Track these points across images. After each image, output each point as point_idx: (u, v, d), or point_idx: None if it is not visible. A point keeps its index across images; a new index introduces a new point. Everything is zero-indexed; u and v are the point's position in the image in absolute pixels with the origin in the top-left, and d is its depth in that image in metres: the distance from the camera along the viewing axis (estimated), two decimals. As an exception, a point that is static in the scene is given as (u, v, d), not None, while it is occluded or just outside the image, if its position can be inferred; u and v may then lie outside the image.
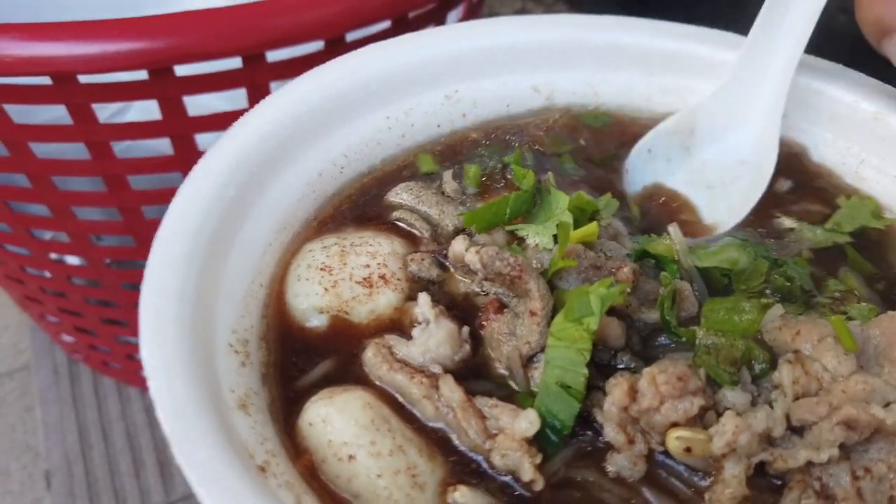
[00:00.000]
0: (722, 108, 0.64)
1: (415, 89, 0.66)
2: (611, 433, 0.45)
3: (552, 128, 0.69)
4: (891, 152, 0.62)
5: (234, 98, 1.06)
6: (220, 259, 0.50)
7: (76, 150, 1.02)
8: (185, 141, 1.01)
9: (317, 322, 0.53)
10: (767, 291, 0.53)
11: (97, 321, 1.38)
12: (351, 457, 0.44)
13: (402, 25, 1.05)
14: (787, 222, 0.62)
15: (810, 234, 0.60)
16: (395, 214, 0.60)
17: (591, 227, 0.53)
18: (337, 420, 0.45)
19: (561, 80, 0.70)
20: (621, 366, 0.50)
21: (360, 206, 0.62)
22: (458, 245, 0.53)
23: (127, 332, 1.41)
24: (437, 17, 1.11)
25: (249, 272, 0.53)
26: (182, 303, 0.45)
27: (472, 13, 1.22)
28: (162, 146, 1.09)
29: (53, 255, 1.24)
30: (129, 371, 1.58)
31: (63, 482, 1.55)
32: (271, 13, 0.91)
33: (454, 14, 1.16)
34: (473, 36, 0.68)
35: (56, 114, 1.09)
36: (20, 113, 0.98)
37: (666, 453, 0.45)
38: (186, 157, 1.02)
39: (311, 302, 0.54)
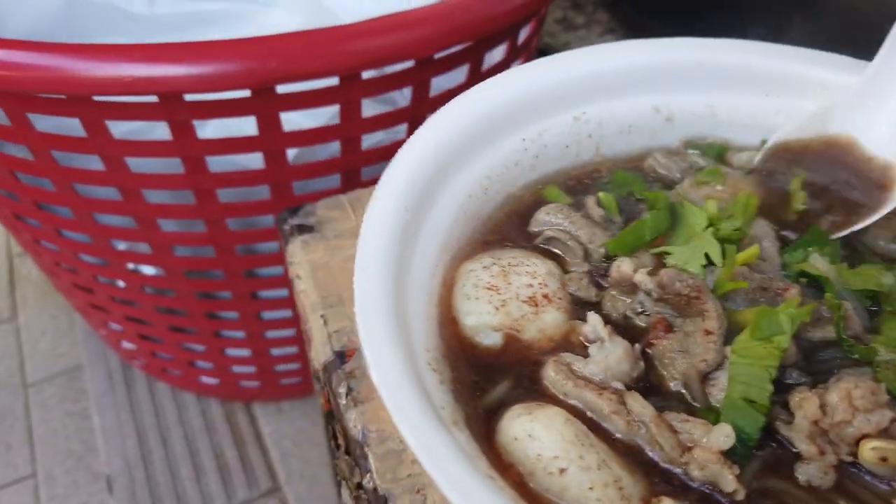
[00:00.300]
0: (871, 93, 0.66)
1: (547, 112, 0.69)
2: (802, 445, 0.48)
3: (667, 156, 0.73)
4: None
5: (313, 114, 1.09)
6: (406, 283, 0.53)
7: (161, 164, 1.05)
8: (277, 156, 1.04)
9: (491, 340, 0.56)
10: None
11: (164, 329, 1.41)
12: (562, 470, 0.46)
13: (483, 43, 1.09)
14: None
15: None
16: (548, 234, 0.63)
17: (754, 251, 0.56)
18: (544, 435, 0.48)
19: (680, 101, 0.73)
20: (790, 381, 0.52)
21: (507, 227, 0.65)
22: (626, 266, 0.56)
23: (193, 339, 1.43)
24: (511, 34, 1.14)
25: (425, 292, 0.56)
26: (392, 326, 0.47)
27: (538, 28, 1.25)
28: (244, 160, 1.12)
29: (130, 266, 1.27)
30: (189, 377, 1.61)
31: (125, 487, 1.57)
32: (371, 34, 0.94)
33: (525, 30, 1.19)
34: (600, 59, 0.71)
35: (133, 127, 1.12)
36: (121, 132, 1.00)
37: (852, 464, 0.48)
38: (276, 171, 1.05)
39: (483, 320, 0.56)
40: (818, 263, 0.57)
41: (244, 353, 1.44)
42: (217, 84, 0.88)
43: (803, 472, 0.48)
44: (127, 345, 1.58)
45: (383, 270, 0.51)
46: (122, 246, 1.26)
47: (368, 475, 0.66)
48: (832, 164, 0.67)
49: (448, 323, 0.57)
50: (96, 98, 0.91)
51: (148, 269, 1.27)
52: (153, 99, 0.91)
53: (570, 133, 0.71)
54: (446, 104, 0.62)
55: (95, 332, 1.88)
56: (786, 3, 1.53)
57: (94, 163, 1.01)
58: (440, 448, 0.41)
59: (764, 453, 0.50)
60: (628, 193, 0.69)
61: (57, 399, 1.92)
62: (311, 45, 0.90)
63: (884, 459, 0.46)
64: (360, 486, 0.67)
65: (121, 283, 1.30)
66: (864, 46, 0.69)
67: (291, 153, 1.07)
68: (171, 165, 1.03)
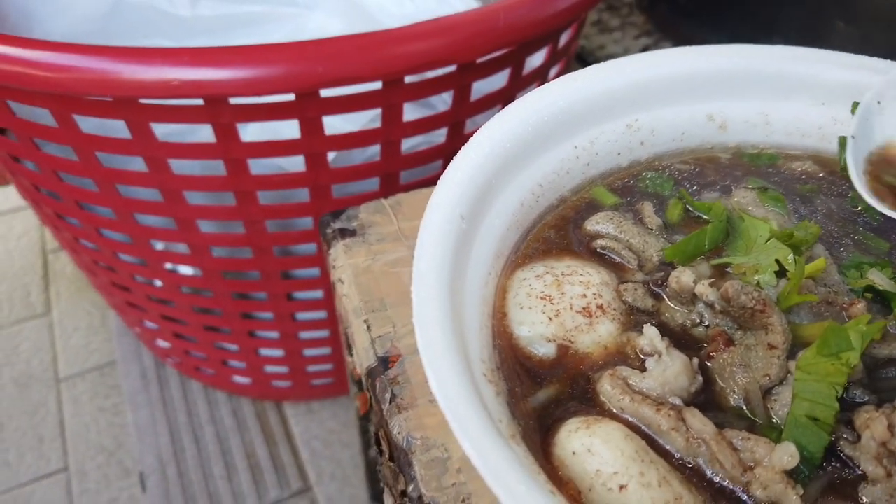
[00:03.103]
0: None
1: (599, 119, 0.68)
2: (868, 467, 0.46)
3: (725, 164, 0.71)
4: None
5: (352, 118, 1.09)
6: (461, 293, 0.53)
7: (200, 166, 1.05)
8: (317, 158, 1.04)
9: (544, 351, 0.55)
10: None
11: (199, 328, 1.42)
12: (622, 487, 0.46)
13: (524, 48, 1.08)
14: None
15: None
16: (600, 243, 0.62)
17: (820, 263, 0.55)
18: (603, 450, 0.47)
19: (734, 109, 0.72)
20: (854, 399, 0.51)
21: (559, 235, 0.64)
22: (686, 277, 0.55)
23: (227, 338, 1.44)
24: (553, 38, 1.14)
25: (480, 302, 0.55)
26: (446, 334, 0.47)
27: (578, 32, 1.24)
28: (284, 163, 1.12)
29: (168, 265, 1.28)
30: (222, 376, 1.62)
31: (157, 483, 1.58)
32: (414, 38, 0.94)
33: (566, 34, 1.18)
34: (653, 66, 0.70)
35: (173, 129, 1.13)
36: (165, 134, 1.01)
37: (919, 487, 0.47)
38: (317, 174, 1.05)
39: (537, 331, 0.56)
40: (877, 279, 0.56)
41: (277, 353, 1.45)
42: (263, 88, 0.88)
43: (869, 494, 0.47)
44: (161, 343, 1.59)
45: (439, 280, 0.51)
46: (160, 246, 1.27)
47: (413, 483, 0.66)
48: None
49: (501, 333, 0.57)
50: (142, 101, 0.92)
51: (185, 270, 1.28)
52: (198, 102, 0.91)
53: (622, 140, 0.70)
54: (501, 111, 0.62)
55: (129, 330, 1.90)
56: (825, 5, 1.50)
57: (137, 164, 1.02)
58: (502, 462, 0.40)
59: (827, 473, 0.48)
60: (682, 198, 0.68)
61: (89, 394, 1.94)
62: (356, 50, 0.90)
63: (957, 484, 0.44)
64: (404, 493, 0.66)
65: (158, 283, 1.31)
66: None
67: (330, 156, 1.07)
68: (213, 167, 1.03)
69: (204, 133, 0.99)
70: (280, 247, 1.20)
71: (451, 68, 1.00)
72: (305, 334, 1.40)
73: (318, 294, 1.31)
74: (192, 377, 1.73)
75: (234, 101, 0.93)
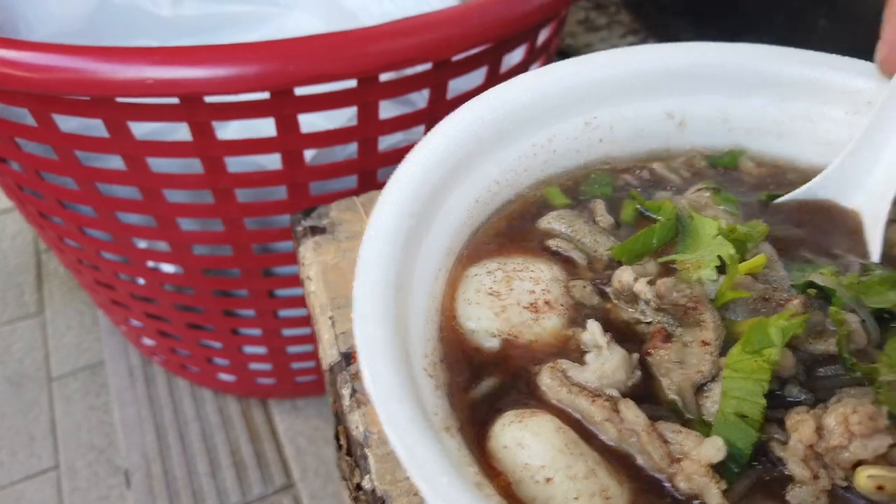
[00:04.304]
0: (862, 154, 0.66)
1: (558, 116, 0.69)
2: (795, 468, 0.47)
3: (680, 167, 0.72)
4: None
5: (332, 116, 1.10)
6: (408, 288, 0.53)
7: (181, 164, 1.06)
8: (294, 156, 1.05)
9: (489, 345, 0.56)
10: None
11: (182, 326, 1.43)
12: (549, 479, 0.46)
13: (501, 45, 1.08)
14: None
15: None
16: (552, 242, 0.63)
17: (760, 260, 0.55)
18: (533, 444, 0.48)
19: (693, 107, 0.73)
20: (791, 398, 0.52)
21: (514, 232, 0.65)
22: (626, 275, 0.56)
23: (210, 336, 1.45)
24: (531, 36, 1.14)
25: (427, 297, 0.56)
26: (389, 330, 0.48)
27: (558, 29, 1.25)
28: (263, 160, 1.13)
29: (150, 263, 1.29)
30: (207, 373, 1.63)
31: (142, 480, 1.59)
32: (388, 36, 0.95)
33: (545, 32, 1.19)
34: (613, 64, 0.70)
35: (153, 128, 1.14)
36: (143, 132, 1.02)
37: (846, 488, 0.47)
38: (293, 172, 1.06)
39: (482, 325, 0.57)
40: (819, 279, 0.57)
41: (261, 350, 1.46)
42: (237, 86, 0.89)
43: (795, 496, 0.47)
44: (147, 341, 1.60)
45: (384, 276, 0.51)
46: (142, 244, 1.29)
47: (368, 476, 0.66)
48: (810, 222, 0.67)
49: (448, 328, 0.57)
50: (119, 99, 0.93)
51: (167, 267, 1.30)
52: (174, 101, 0.92)
53: (581, 138, 0.71)
54: (458, 109, 0.62)
55: (117, 328, 1.92)
56: (809, 4, 1.51)
57: (116, 162, 1.03)
58: (427, 454, 0.41)
59: (756, 472, 0.49)
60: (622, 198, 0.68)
61: (80, 393, 1.96)
62: (329, 48, 0.91)
63: (880, 488, 0.45)
64: (359, 486, 0.67)
65: (141, 281, 1.32)
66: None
67: (309, 154, 1.08)
68: (191, 166, 1.05)
69: (182, 132, 1.01)
70: (260, 244, 1.21)
71: (427, 66, 1.01)
72: (288, 332, 1.41)
73: (299, 291, 1.32)
74: (178, 375, 1.74)
75: (209, 99, 0.94)
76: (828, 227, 0.66)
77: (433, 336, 0.55)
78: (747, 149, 0.74)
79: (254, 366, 1.52)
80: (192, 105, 0.94)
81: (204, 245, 1.22)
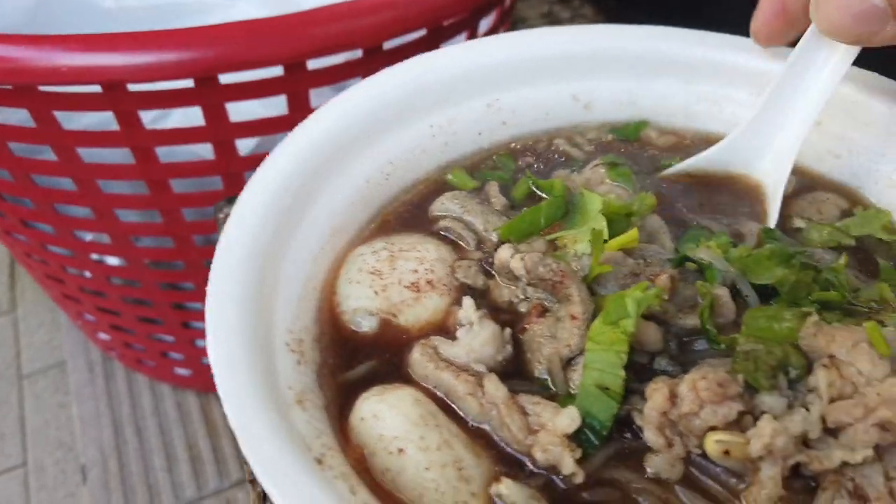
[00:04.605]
0: (760, 127, 0.66)
1: (457, 98, 0.69)
2: (650, 436, 0.46)
3: (584, 143, 0.72)
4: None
5: (271, 104, 1.09)
6: (278, 264, 0.53)
7: (120, 155, 1.06)
8: (225, 146, 1.05)
9: (367, 324, 0.56)
10: (811, 300, 0.55)
11: (133, 320, 1.43)
12: (401, 450, 0.46)
13: (437, 33, 1.08)
14: (797, 222, 0.64)
15: (816, 235, 0.62)
16: (442, 224, 0.63)
17: (632, 235, 0.55)
18: (388, 416, 0.47)
19: (599, 89, 0.73)
20: (659, 370, 0.51)
21: (407, 214, 0.65)
22: (504, 252, 0.56)
23: (162, 330, 1.45)
24: (470, 24, 1.14)
25: (304, 275, 0.56)
26: (244, 306, 0.47)
27: (503, 19, 1.24)
28: (202, 150, 1.13)
29: (94, 256, 1.28)
30: (163, 368, 1.62)
31: (98, 476, 1.59)
32: (312, 23, 0.94)
33: (486, 21, 1.18)
34: (515, 46, 0.70)
35: (95, 119, 1.13)
36: (65, 119, 1.02)
37: (703, 455, 0.47)
38: (226, 162, 1.06)
39: (361, 304, 0.56)
40: (703, 253, 0.56)
41: (214, 345, 1.45)
42: (157, 73, 0.89)
43: (652, 464, 0.47)
44: (102, 336, 1.60)
45: (250, 249, 0.51)
46: (88, 237, 1.28)
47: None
48: (711, 192, 0.67)
49: (328, 308, 0.57)
50: (43, 88, 0.93)
51: (112, 260, 1.29)
52: (96, 89, 0.92)
53: (483, 121, 0.71)
54: (349, 88, 0.62)
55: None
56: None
57: (50, 153, 1.03)
58: (258, 425, 0.41)
59: (618, 443, 0.49)
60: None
61: (50, 391, 1.95)
62: (252, 34, 0.90)
63: (727, 453, 0.44)
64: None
65: (88, 274, 1.32)
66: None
67: (251, 143, 1.07)
68: (127, 156, 1.04)
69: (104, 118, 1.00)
70: (202, 235, 1.21)
71: (357, 53, 1.00)
72: (239, 326, 1.40)
73: (246, 285, 1.31)
74: (136, 370, 1.73)
75: (133, 88, 0.93)
76: (728, 197, 0.66)
77: (308, 314, 0.55)
78: (656, 125, 0.73)
79: (207, 360, 1.51)
80: (116, 93, 0.93)
81: (147, 237, 1.21)
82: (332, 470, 0.43)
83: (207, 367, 1.48)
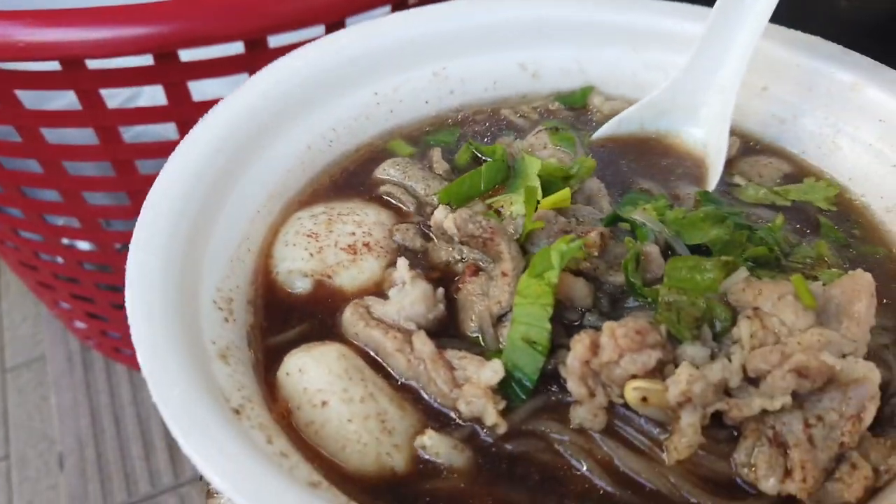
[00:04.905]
0: (687, 87, 0.66)
1: (403, 66, 0.69)
2: (573, 386, 0.46)
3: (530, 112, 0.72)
4: (867, 121, 0.64)
5: (235, 84, 1.09)
6: (209, 222, 0.53)
7: (87, 136, 1.05)
8: (189, 126, 1.04)
9: (301, 286, 0.56)
10: (743, 257, 0.55)
11: (108, 306, 1.42)
12: (324, 403, 0.46)
13: (402, 8, 1.07)
14: (736, 179, 0.64)
15: (752, 192, 0.62)
16: (383, 189, 0.63)
17: (564, 194, 0.55)
18: (312, 369, 0.47)
19: (547, 57, 0.73)
20: (589, 326, 0.51)
21: (349, 180, 0.65)
22: (439, 213, 0.56)
23: (137, 317, 1.44)
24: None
25: (237, 236, 0.56)
26: (168, 257, 0.47)
27: None
28: (170, 132, 1.12)
29: (65, 241, 1.28)
30: (140, 357, 1.61)
31: (75, 464, 1.59)
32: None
33: None
34: (461, 14, 0.70)
35: (67, 101, 1.13)
36: (33, 101, 1.01)
37: (627, 407, 0.47)
38: (191, 142, 1.05)
39: (296, 266, 0.56)
40: (637, 214, 0.56)
41: (189, 332, 1.45)
42: (115, 48, 0.88)
43: (576, 415, 0.47)
44: (79, 324, 1.60)
45: (180, 205, 0.51)
46: (59, 221, 1.28)
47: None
48: (655, 155, 0.67)
49: (263, 270, 0.57)
50: (2, 66, 0.93)
51: (83, 245, 1.29)
52: (55, 66, 0.92)
53: (430, 89, 0.71)
54: (289, 53, 0.62)
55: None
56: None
57: (15, 136, 1.02)
58: (166, 370, 0.41)
59: (545, 396, 0.49)
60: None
61: (33, 384, 1.95)
62: (210, 9, 0.90)
63: (644, 399, 0.44)
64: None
65: (60, 260, 1.31)
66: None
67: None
68: (92, 138, 1.04)
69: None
70: (170, 220, 1.20)
71: (320, 29, 0.99)
72: (214, 312, 1.40)
73: (218, 269, 1.31)
74: (113, 359, 1.73)
75: (92, 65, 0.93)
76: (671, 162, 0.66)
77: (242, 276, 0.55)
78: (603, 92, 0.73)
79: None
80: (75, 71, 0.92)
81: (117, 220, 1.21)
82: (249, 420, 0.43)
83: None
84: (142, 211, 0.49)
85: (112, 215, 1.19)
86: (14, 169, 1.11)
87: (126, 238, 1.20)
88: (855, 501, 0.43)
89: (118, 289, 1.36)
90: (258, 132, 0.59)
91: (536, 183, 0.55)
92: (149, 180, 1.10)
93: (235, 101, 0.58)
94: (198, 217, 0.52)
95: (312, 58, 0.63)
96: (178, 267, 0.48)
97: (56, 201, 1.16)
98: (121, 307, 1.44)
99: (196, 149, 0.54)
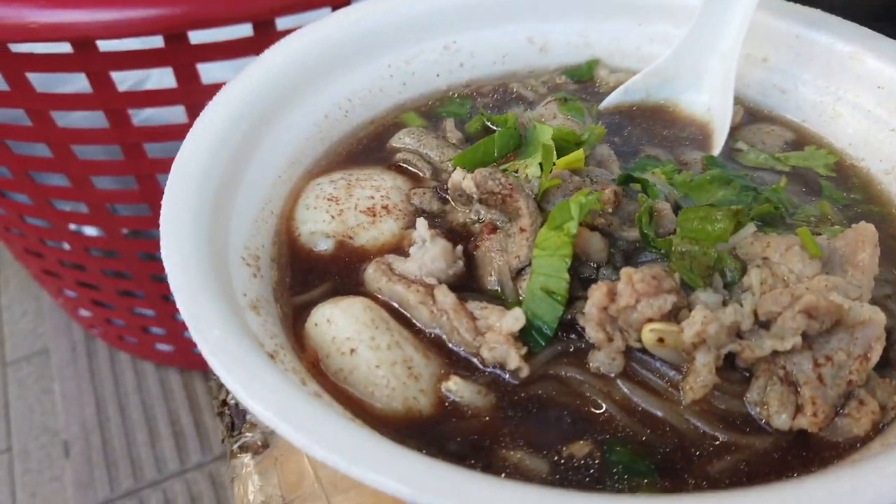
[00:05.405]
0: (689, 55, 0.68)
1: (415, 39, 0.70)
2: (591, 332, 0.48)
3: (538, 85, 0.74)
4: (866, 89, 0.66)
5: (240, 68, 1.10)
6: (233, 184, 0.55)
7: (96, 121, 1.07)
8: (199, 109, 1.05)
9: (323, 246, 0.58)
10: (750, 216, 0.57)
11: (113, 293, 1.43)
12: (352, 350, 0.48)
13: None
14: (739, 144, 0.67)
15: (753, 157, 0.65)
16: (399, 156, 0.65)
17: (578, 154, 0.57)
18: (340, 319, 0.49)
19: (554, 31, 0.75)
20: (603, 278, 0.53)
21: (365, 149, 0.67)
22: (457, 175, 0.57)
23: (142, 304, 1.45)
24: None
25: (260, 199, 0.58)
26: (198, 214, 0.49)
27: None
28: (178, 117, 1.14)
29: (72, 227, 1.29)
30: (144, 344, 1.63)
31: (81, 451, 1.60)
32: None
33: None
34: (469, -11, 0.72)
35: (77, 87, 1.14)
36: (44, 87, 1.03)
37: (643, 351, 0.49)
38: (200, 125, 1.06)
39: (318, 227, 0.58)
40: (647, 177, 0.58)
41: (194, 318, 1.46)
42: (125, 29, 0.90)
43: (594, 360, 0.49)
44: (83, 312, 1.61)
45: (206, 166, 0.53)
46: (65, 207, 1.29)
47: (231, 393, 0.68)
48: (661, 124, 0.70)
49: (285, 231, 0.59)
50: (14, 49, 0.94)
51: (90, 230, 1.30)
52: (67, 49, 0.93)
53: (441, 62, 0.72)
54: (306, 26, 0.64)
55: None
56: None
57: (25, 120, 1.04)
58: (208, 313, 0.42)
59: (563, 343, 0.50)
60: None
61: (34, 377, 1.95)
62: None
63: (661, 340, 0.46)
64: (224, 402, 0.68)
65: (66, 246, 1.33)
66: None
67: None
68: (101, 121, 1.05)
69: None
70: (178, 204, 1.21)
71: (326, 11, 1.01)
72: (219, 297, 1.41)
73: (224, 254, 1.32)
74: (117, 348, 1.74)
75: (104, 48, 0.94)
76: (677, 129, 0.69)
77: (265, 236, 0.57)
78: (609, 65, 0.75)
79: (189, 334, 1.52)
80: (86, 53, 0.94)
81: (124, 205, 1.22)
82: (283, 364, 0.45)
83: (189, 343, 1.49)
84: (171, 170, 0.51)
85: (120, 200, 1.20)
86: (23, 154, 1.12)
87: (133, 224, 1.23)
88: (863, 435, 0.45)
89: (123, 276, 1.37)
90: (278, 101, 0.61)
91: (551, 143, 0.57)
92: (157, 164, 1.12)
93: (255, 72, 0.60)
94: (223, 178, 0.53)
95: (328, 31, 0.65)
96: (207, 223, 0.49)
97: (64, 186, 1.18)
98: (127, 294, 1.46)
99: (220, 114, 0.56)
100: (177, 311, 1.40)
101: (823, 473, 0.37)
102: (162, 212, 0.48)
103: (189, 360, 1.68)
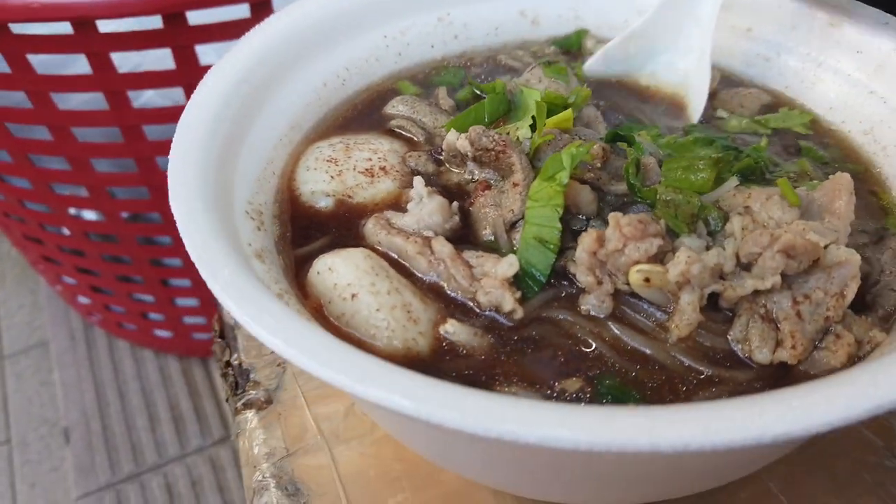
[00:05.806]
0: (665, 21, 0.71)
1: (410, 11, 0.73)
2: (581, 276, 0.51)
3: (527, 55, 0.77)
4: (846, 54, 0.68)
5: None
6: (237, 143, 0.57)
7: (96, 103, 1.08)
8: (197, 90, 1.07)
9: (323, 203, 0.60)
10: (732, 171, 0.59)
11: (112, 279, 1.45)
12: (353, 296, 0.50)
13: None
14: (719, 112, 0.70)
15: (735, 122, 0.67)
16: (393, 122, 0.67)
17: (567, 114, 0.59)
18: (341, 267, 0.51)
19: (546, 5, 0.77)
20: (595, 228, 0.55)
21: (362, 116, 0.69)
22: (451, 136, 0.60)
23: (141, 289, 1.47)
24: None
25: (263, 159, 0.60)
26: (204, 169, 0.51)
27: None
28: (177, 99, 1.15)
29: (72, 211, 1.31)
30: (144, 331, 1.65)
31: (81, 436, 1.62)
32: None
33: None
34: (460, -39, 0.74)
35: (78, 69, 1.15)
36: (45, 68, 1.04)
37: (631, 294, 0.51)
38: (198, 107, 1.08)
39: (318, 187, 0.60)
40: (639, 137, 0.61)
41: (193, 302, 1.49)
42: (125, 9, 0.92)
43: (585, 303, 0.51)
44: (82, 299, 1.62)
45: (209, 128, 0.55)
46: (65, 191, 1.31)
47: (236, 353, 0.70)
48: (641, 94, 0.72)
49: (287, 189, 0.61)
50: (15, 31, 0.96)
51: (89, 214, 1.32)
52: (68, 30, 0.95)
53: (435, 33, 0.75)
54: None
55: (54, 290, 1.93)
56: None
57: (26, 102, 1.05)
58: (216, 255, 0.44)
59: (556, 289, 0.53)
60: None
61: (32, 370, 1.97)
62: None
63: (647, 281, 0.49)
64: (228, 363, 0.70)
65: (66, 231, 1.35)
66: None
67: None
68: (101, 104, 1.07)
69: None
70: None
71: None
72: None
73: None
74: (116, 335, 1.76)
75: (104, 28, 0.96)
76: (660, 99, 0.71)
77: (268, 194, 0.59)
78: (598, 37, 0.78)
79: (188, 319, 1.54)
80: (87, 34, 0.96)
81: (123, 189, 1.24)
82: (289, 306, 0.47)
83: (188, 329, 1.51)
84: (177, 129, 0.53)
85: (119, 182, 1.22)
86: (22, 137, 1.14)
87: (132, 207, 1.24)
88: (839, 366, 0.47)
89: (122, 260, 1.39)
90: (278, 68, 0.63)
91: (542, 103, 0.59)
92: (156, 147, 1.14)
93: (255, 40, 0.62)
94: (227, 137, 0.56)
95: (326, 2, 0.67)
96: (212, 179, 0.51)
97: (64, 169, 1.19)
98: (126, 279, 1.47)
99: (223, 78, 0.58)
100: (176, 295, 1.42)
101: (800, 386, 0.39)
102: (169, 166, 0.50)
103: (188, 347, 1.70)
